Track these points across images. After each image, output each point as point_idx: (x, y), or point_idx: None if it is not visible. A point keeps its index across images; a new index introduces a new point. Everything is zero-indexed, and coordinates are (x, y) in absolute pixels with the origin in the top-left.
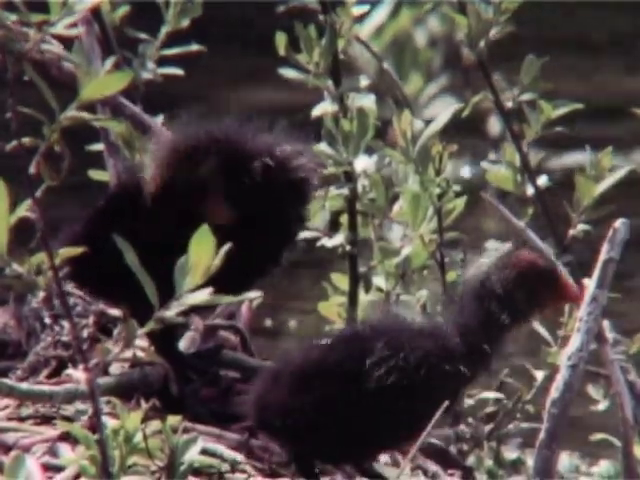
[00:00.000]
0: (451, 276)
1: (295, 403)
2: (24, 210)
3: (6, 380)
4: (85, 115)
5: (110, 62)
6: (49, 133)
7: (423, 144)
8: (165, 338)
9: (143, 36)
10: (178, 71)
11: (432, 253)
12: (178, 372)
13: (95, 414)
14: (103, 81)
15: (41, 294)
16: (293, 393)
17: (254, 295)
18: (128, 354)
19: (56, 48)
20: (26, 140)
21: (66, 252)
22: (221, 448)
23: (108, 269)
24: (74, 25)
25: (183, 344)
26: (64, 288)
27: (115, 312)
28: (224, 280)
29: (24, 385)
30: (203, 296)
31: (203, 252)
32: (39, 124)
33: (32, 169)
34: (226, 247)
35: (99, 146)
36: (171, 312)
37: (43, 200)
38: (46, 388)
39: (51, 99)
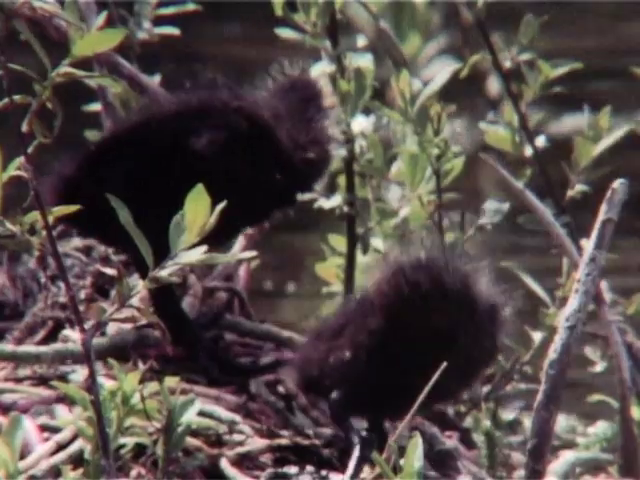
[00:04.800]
0: (449, 237)
1: (331, 361)
2: (16, 168)
3: None
4: (77, 72)
5: (102, 18)
6: (41, 90)
7: (421, 104)
8: (165, 297)
9: None
10: (174, 31)
11: (431, 214)
12: (175, 331)
13: (90, 375)
14: (95, 37)
15: (36, 254)
16: (329, 351)
17: (249, 255)
18: (126, 314)
19: (48, 5)
20: (18, 97)
21: (60, 210)
22: (219, 410)
23: (110, 220)
24: None
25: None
26: (58, 248)
27: (112, 272)
28: (220, 239)
29: (8, 347)
30: (198, 255)
31: (198, 210)
32: (31, 84)
33: (24, 127)
34: (221, 205)
35: (96, 106)
36: (166, 271)
37: (37, 159)
38: (32, 349)
39: (43, 56)
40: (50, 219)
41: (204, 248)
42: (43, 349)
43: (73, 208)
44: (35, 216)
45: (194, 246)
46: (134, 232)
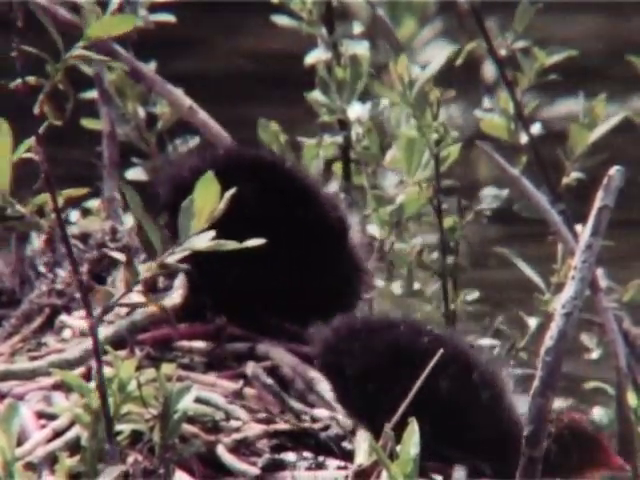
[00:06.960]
0: (448, 223)
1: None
2: (26, 148)
3: None
4: (91, 54)
5: (116, 2)
6: (54, 72)
7: (420, 89)
8: None
9: None
10: (170, 18)
11: (429, 200)
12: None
13: (97, 362)
14: (110, 21)
15: (37, 241)
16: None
17: (258, 242)
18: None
19: None
20: (30, 79)
21: (69, 192)
22: (215, 396)
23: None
24: None
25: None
26: (67, 231)
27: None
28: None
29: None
30: (207, 241)
31: (208, 196)
32: (43, 67)
33: (36, 108)
34: (231, 192)
35: (92, 93)
36: (174, 257)
37: (46, 141)
38: (27, 365)
39: (57, 38)
40: (60, 201)
41: (212, 234)
42: (37, 363)
43: (84, 191)
44: (45, 198)
45: (203, 232)
46: (145, 221)
